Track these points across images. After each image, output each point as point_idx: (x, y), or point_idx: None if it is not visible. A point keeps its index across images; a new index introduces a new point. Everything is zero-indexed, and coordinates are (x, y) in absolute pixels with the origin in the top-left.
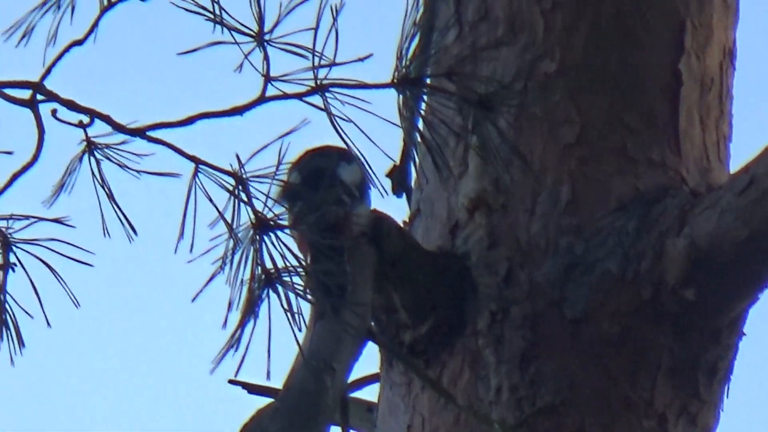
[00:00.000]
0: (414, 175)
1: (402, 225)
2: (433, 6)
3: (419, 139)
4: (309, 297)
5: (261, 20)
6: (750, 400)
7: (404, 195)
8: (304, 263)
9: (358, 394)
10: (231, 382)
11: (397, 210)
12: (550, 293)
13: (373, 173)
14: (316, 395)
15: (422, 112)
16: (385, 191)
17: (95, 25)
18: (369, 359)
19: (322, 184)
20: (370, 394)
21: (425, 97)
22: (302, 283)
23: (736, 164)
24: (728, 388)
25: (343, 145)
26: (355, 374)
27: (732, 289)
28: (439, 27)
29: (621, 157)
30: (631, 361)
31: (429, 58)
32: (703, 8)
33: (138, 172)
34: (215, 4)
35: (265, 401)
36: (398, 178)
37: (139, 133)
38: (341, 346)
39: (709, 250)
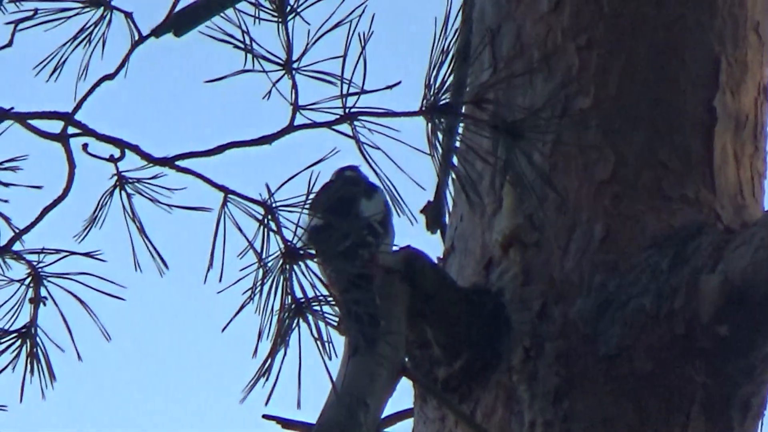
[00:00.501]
0: (448, 211)
1: (436, 261)
2: (468, 41)
3: (453, 175)
4: (341, 327)
5: (289, 48)
6: None
7: (439, 231)
8: (333, 293)
9: (391, 430)
10: (265, 417)
11: (432, 246)
12: (584, 329)
13: (401, 200)
14: (350, 431)
15: (457, 146)
16: (414, 219)
17: (126, 59)
18: (403, 395)
19: (346, 223)
20: (404, 429)
21: (455, 127)
22: (332, 313)
23: None
24: (762, 424)
25: (371, 173)
26: (389, 410)
27: (765, 326)
28: (474, 64)
29: (655, 194)
30: (664, 397)
31: (462, 89)
32: (738, 45)
33: (169, 206)
34: (244, 34)
35: None
36: (432, 215)
37: (168, 162)
38: (375, 381)
39: (743, 287)
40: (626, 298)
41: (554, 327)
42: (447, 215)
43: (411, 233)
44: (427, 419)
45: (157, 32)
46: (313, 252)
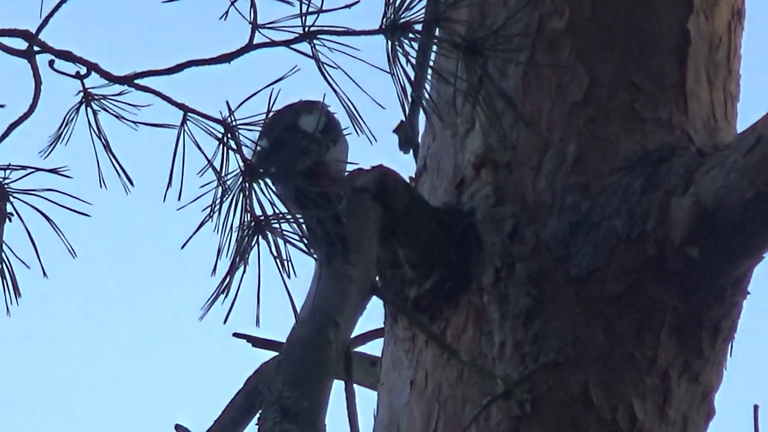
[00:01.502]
0: (421, 131)
1: (408, 181)
2: None
3: (426, 95)
4: (302, 245)
5: None
6: (754, 359)
7: (411, 151)
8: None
9: (362, 349)
10: (236, 335)
11: (405, 166)
12: (555, 251)
13: (360, 119)
14: (320, 349)
15: (430, 67)
16: (374, 137)
17: None
18: (373, 314)
19: (286, 141)
20: (374, 349)
21: (429, 45)
22: (292, 231)
23: (743, 124)
24: (732, 347)
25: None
26: (359, 329)
27: (737, 248)
28: None
29: (628, 116)
30: (634, 319)
31: (440, 7)
32: None
33: (134, 123)
34: None
35: (269, 354)
36: (405, 134)
37: (128, 81)
38: (345, 300)
39: (715, 209)
40: (598, 220)
41: (525, 248)
42: (419, 135)
43: (384, 154)
44: (397, 339)
45: None
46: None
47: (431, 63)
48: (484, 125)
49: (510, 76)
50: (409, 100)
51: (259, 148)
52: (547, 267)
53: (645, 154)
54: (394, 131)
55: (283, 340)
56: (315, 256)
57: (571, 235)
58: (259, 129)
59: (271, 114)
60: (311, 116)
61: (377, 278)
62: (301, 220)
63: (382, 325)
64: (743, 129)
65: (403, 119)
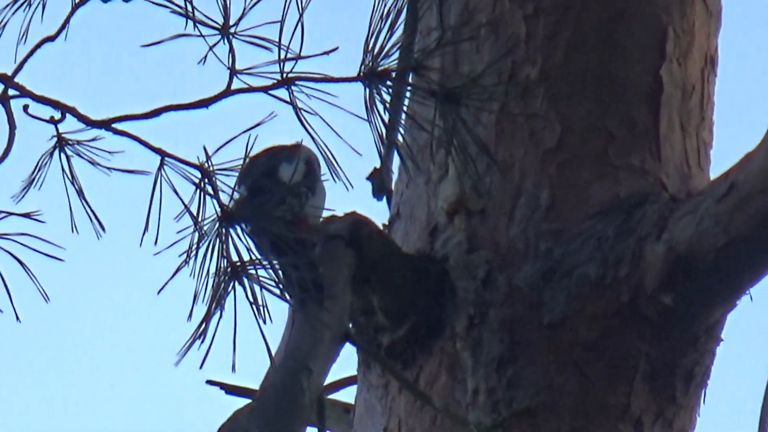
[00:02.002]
0: (395, 178)
1: (381, 228)
2: (416, 8)
3: (400, 140)
4: (278, 291)
5: (226, 12)
6: (727, 406)
7: (385, 198)
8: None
9: (335, 396)
10: (209, 382)
11: (378, 213)
12: (529, 297)
13: (338, 166)
14: (293, 396)
15: (404, 114)
16: (351, 184)
17: (68, 20)
18: (347, 361)
19: (264, 190)
20: (347, 395)
21: (403, 93)
22: (268, 276)
23: (717, 170)
24: (705, 394)
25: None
26: (333, 376)
27: (710, 295)
28: (422, 32)
29: (601, 163)
30: (608, 365)
31: (416, 55)
32: (685, 15)
33: (108, 168)
34: None
35: (243, 401)
36: (378, 181)
37: (105, 125)
38: (318, 347)
39: (688, 256)
40: (571, 266)
41: (499, 294)
42: (393, 182)
43: (357, 200)
44: (370, 385)
45: None
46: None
47: (405, 109)
48: (457, 172)
49: (484, 123)
50: (385, 147)
51: (237, 194)
52: (520, 313)
53: (618, 200)
54: (367, 178)
55: (257, 386)
56: (290, 301)
57: (544, 281)
58: (236, 174)
59: (249, 158)
60: (290, 166)
61: (351, 325)
62: (277, 266)
63: (356, 372)
64: (716, 176)
65: (376, 166)
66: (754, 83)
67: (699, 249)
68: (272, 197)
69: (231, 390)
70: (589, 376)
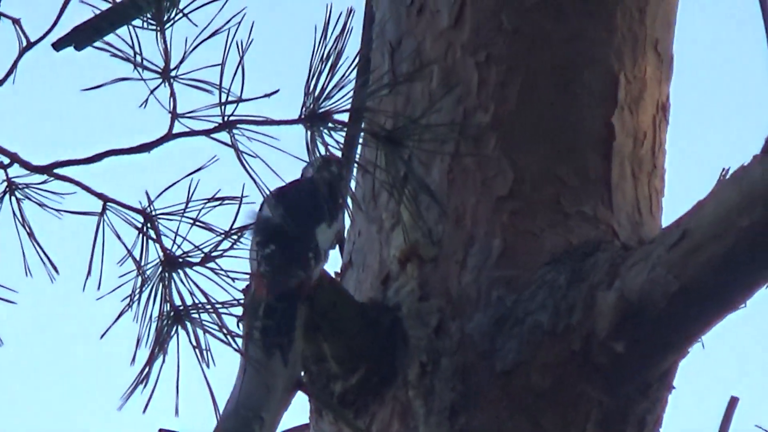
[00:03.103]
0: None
1: (334, 276)
2: (368, 57)
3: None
4: (220, 335)
5: (167, 56)
6: None
7: (337, 246)
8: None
9: None
10: (162, 431)
11: (330, 261)
12: (481, 345)
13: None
14: None
15: (356, 162)
16: None
17: (15, 65)
18: (299, 409)
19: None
20: None
21: (356, 137)
22: (211, 321)
23: (669, 218)
24: None
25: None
26: (285, 424)
27: (662, 343)
28: (374, 78)
29: (554, 211)
30: (560, 413)
31: (361, 97)
32: (637, 62)
33: (58, 211)
34: (122, 41)
35: None
36: None
37: (47, 170)
38: (271, 395)
39: (639, 304)
40: (523, 314)
41: (451, 342)
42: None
43: None
44: None
45: (57, 46)
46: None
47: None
48: (408, 220)
49: (435, 171)
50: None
51: (267, 249)
52: (472, 361)
53: (570, 248)
54: None
55: None
56: (235, 346)
57: (496, 329)
58: (179, 219)
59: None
60: (329, 231)
61: (303, 373)
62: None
63: (308, 420)
64: (668, 223)
65: None
66: (705, 131)
67: (651, 296)
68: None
69: None
70: (542, 424)
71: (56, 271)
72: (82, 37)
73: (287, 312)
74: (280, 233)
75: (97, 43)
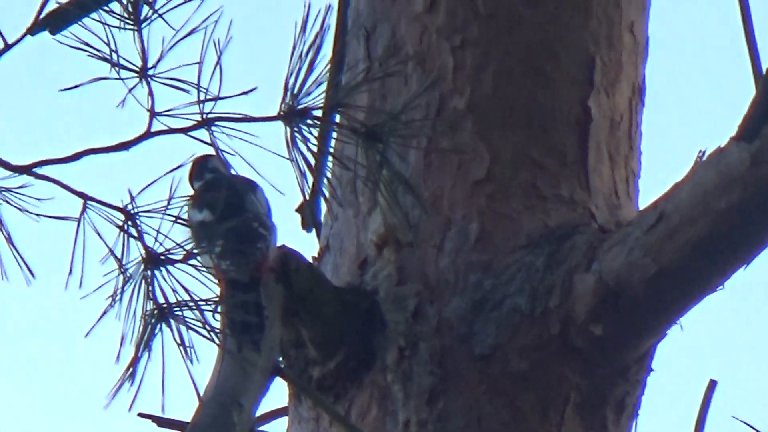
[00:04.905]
0: (323, 210)
1: (311, 261)
2: (343, 42)
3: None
4: (204, 332)
5: (144, 55)
6: None
7: (314, 230)
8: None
9: (266, 428)
10: (141, 415)
11: (307, 246)
12: (459, 329)
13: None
14: (224, 430)
15: (332, 148)
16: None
17: None
18: (277, 394)
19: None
20: (278, 428)
21: (329, 130)
22: (194, 318)
23: (645, 201)
24: (636, 424)
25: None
26: (263, 409)
27: (640, 325)
28: (349, 64)
29: (530, 194)
30: (539, 396)
31: (339, 93)
32: (613, 45)
33: (37, 215)
34: (100, 40)
35: None
36: (307, 213)
37: (26, 170)
38: (249, 381)
39: (617, 286)
40: (501, 298)
41: (429, 326)
42: (321, 214)
43: (287, 232)
44: (301, 419)
45: (32, 30)
46: (176, 257)
47: (331, 147)
48: (384, 207)
49: (411, 157)
50: (309, 183)
51: (200, 215)
52: (450, 345)
53: (547, 231)
54: (296, 210)
55: (189, 420)
56: (218, 342)
57: (474, 313)
58: (160, 217)
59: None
60: (256, 198)
61: (281, 358)
62: (212, 306)
63: (287, 405)
64: (645, 206)
65: (305, 198)
66: (681, 112)
67: (628, 279)
68: (248, 232)
69: (163, 423)
70: (520, 407)
71: (33, 275)
72: (56, 21)
73: (250, 299)
74: (216, 230)
75: (75, 44)
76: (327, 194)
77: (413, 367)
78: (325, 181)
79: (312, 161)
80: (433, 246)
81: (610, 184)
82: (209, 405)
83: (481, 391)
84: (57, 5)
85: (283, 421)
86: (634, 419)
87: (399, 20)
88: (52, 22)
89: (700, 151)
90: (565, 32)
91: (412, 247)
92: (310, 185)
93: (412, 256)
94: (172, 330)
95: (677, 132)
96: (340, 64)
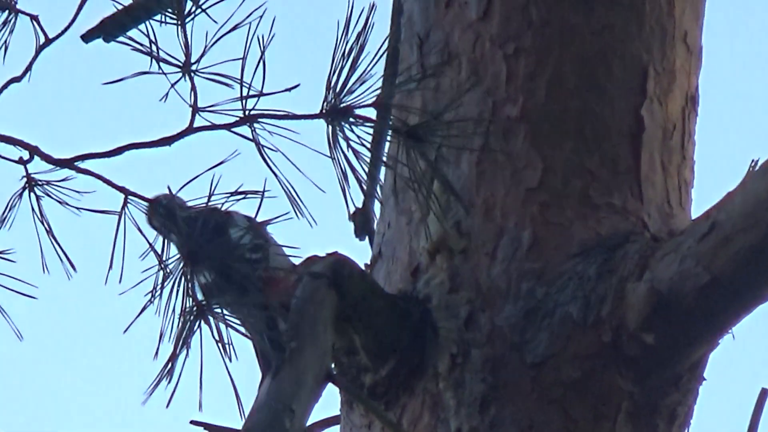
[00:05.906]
0: (377, 218)
1: (364, 268)
2: (396, 48)
3: (381, 181)
4: (242, 329)
5: (187, 50)
6: None
7: (367, 238)
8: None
9: None
10: (193, 422)
11: (360, 253)
12: (511, 337)
13: (301, 202)
14: None
15: (385, 154)
16: (315, 221)
17: (33, 61)
18: (329, 401)
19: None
20: None
21: (384, 133)
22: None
23: (698, 210)
24: None
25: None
26: (316, 416)
27: (692, 334)
28: (402, 70)
29: (583, 202)
30: (591, 405)
31: (385, 93)
32: (666, 54)
33: (78, 209)
34: (144, 35)
35: None
36: (360, 221)
37: (68, 164)
38: (301, 388)
39: (670, 295)
40: (553, 306)
41: (481, 334)
42: (375, 222)
43: (340, 240)
44: (353, 426)
45: (86, 38)
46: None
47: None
48: (437, 212)
49: (464, 163)
50: (349, 184)
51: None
52: (502, 353)
53: (599, 240)
54: (349, 218)
55: (238, 426)
56: (254, 340)
57: (526, 321)
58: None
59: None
60: (235, 228)
61: (333, 365)
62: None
63: (338, 412)
64: (697, 215)
65: (359, 206)
66: (735, 121)
67: (681, 288)
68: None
69: (214, 430)
70: (573, 416)
71: (74, 268)
72: (109, 28)
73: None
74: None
75: (119, 38)
76: (380, 199)
77: (465, 375)
78: (378, 187)
79: (353, 160)
80: (485, 254)
81: (663, 194)
82: (261, 411)
83: (532, 399)
84: (111, 14)
85: (336, 429)
86: (686, 428)
87: (452, 28)
88: (105, 30)
89: (752, 161)
90: (618, 41)
91: (464, 254)
92: (350, 184)
93: (464, 263)
94: (210, 327)
95: (731, 141)
96: (392, 70)
